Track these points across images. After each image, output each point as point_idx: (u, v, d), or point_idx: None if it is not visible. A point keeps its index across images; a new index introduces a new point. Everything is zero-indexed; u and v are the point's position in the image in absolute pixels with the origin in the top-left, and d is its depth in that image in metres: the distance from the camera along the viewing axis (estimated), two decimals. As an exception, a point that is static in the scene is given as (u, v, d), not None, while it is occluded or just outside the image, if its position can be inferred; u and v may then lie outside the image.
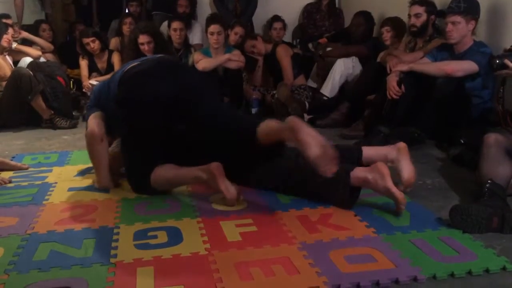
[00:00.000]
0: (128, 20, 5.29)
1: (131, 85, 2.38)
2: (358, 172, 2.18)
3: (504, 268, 1.71)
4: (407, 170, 2.37)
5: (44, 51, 5.05)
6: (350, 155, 2.49)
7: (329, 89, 4.44)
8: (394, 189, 2.11)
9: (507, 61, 2.40)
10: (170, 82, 2.38)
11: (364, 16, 4.69)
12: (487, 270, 1.70)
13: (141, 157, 2.42)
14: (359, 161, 2.49)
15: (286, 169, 2.36)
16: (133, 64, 2.47)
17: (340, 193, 2.19)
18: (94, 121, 2.56)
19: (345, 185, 2.17)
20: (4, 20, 4.61)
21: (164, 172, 2.40)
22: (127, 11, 5.95)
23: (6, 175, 2.81)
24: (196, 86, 2.47)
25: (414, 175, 2.38)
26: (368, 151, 2.53)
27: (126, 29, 5.24)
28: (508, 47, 3.10)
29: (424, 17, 3.78)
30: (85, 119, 2.80)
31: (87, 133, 2.56)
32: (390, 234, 1.98)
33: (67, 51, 5.56)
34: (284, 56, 4.69)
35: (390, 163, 2.41)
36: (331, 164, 1.90)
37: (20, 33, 5.00)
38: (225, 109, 2.70)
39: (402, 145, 2.47)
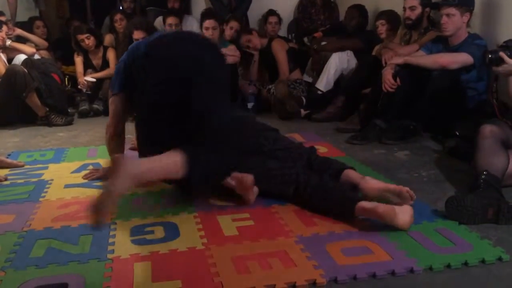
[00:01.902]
0: (118, 16, 5.26)
1: (165, 42, 2.31)
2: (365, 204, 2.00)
3: (500, 259, 1.73)
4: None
5: (38, 48, 5.03)
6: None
7: (324, 83, 4.43)
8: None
9: (502, 54, 2.39)
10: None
11: (358, 9, 4.69)
12: (483, 261, 1.71)
13: (151, 137, 2.26)
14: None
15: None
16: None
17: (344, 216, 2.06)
18: (111, 116, 2.49)
19: (350, 214, 2.03)
20: (-3, 18, 4.59)
21: None
22: (120, 8, 5.92)
23: (2, 172, 2.80)
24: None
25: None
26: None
27: (117, 26, 5.22)
28: (502, 39, 3.11)
29: (419, 9, 3.78)
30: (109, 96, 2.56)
31: (106, 126, 2.52)
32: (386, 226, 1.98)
33: (62, 48, 5.53)
34: (280, 50, 4.68)
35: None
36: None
37: (14, 31, 4.97)
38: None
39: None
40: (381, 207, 1.94)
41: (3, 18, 4.77)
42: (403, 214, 1.94)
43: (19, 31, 5.06)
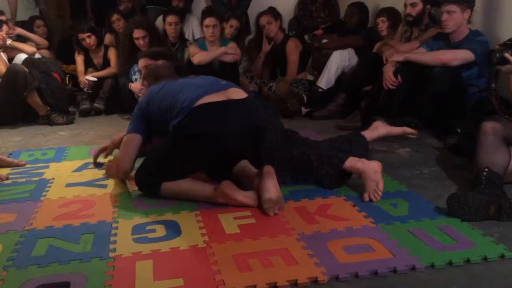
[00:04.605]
0: (115, 17, 5.24)
1: (201, 123, 2.20)
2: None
3: (502, 256, 1.72)
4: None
5: (39, 47, 5.03)
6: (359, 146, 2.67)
7: (324, 81, 4.43)
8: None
9: (507, 55, 2.39)
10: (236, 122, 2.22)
11: (357, 6, 4.68)
12: (485, 258, 1.71)
13: (165, 170, 2.29)
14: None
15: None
16: (204, 102, 2.22)
17: (329, 174, 2.38)
18: (126, 154, 2.44)
19: (335, 167, 2.38)
20: (-2, 17, 4.59)
21: (176, 186, 2.27)
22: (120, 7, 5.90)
23: (3, 171, 2.80)
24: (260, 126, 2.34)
25: None
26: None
27: (115, 26, 5.21)
28: (504, 35, 3.11)
29: (419, 6, 3.78)
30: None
31: (116, 165, 2.48)
32: (388, 224, 1.99)
33: (64, 47, 5.51)
34: (294, 51, 4.63)
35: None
36: (275, 209, 2.12)
37: (14, 30, 4.96)
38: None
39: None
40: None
41: (3, 17, 4.76)
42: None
43: (19, 30, 5.06)
